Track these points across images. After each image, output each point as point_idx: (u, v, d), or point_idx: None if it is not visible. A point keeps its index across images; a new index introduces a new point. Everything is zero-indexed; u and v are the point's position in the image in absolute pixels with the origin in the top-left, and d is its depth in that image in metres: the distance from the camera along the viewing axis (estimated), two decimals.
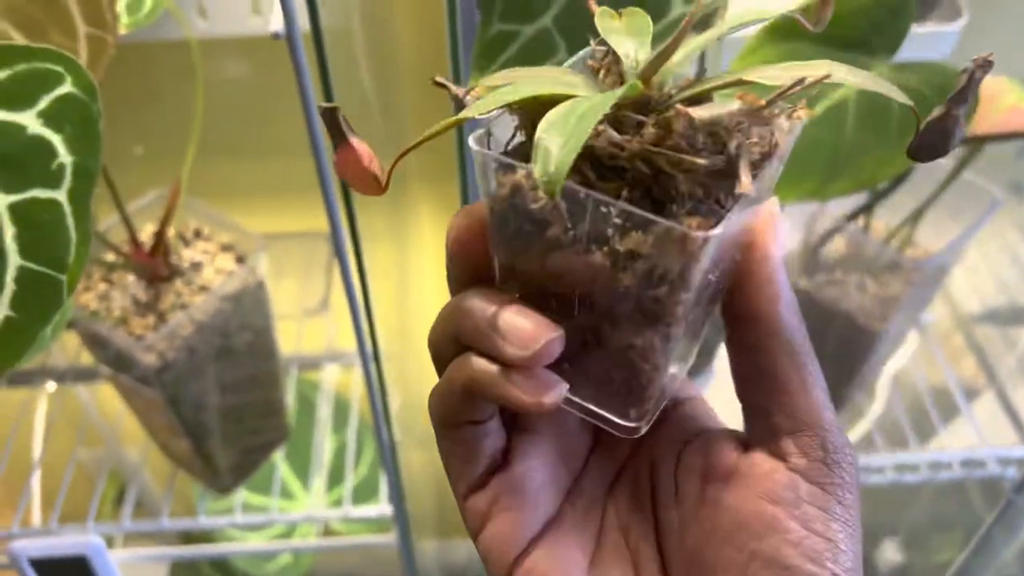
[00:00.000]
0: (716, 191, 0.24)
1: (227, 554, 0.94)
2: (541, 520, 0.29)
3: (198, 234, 0.73)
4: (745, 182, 0.23)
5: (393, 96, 0.82)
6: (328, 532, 1.05)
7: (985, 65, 0.24)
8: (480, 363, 0.26)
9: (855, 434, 0.86)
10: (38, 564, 0.78)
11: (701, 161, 0.23)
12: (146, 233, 0.70)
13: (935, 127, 0.25)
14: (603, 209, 0.23)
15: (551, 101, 0.24)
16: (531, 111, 0.26)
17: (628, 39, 0.27)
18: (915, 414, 0.86)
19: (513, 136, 0.27)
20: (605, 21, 0.28)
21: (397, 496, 0.74)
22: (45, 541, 0.77)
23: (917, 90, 0.54)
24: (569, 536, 0.29)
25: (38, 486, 0.88)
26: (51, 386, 0.92)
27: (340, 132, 0.25)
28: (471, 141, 0.26)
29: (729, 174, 0.24)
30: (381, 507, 0.81)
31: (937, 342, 0.89)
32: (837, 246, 0.76)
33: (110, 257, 0.69)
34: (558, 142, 0.21)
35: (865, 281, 0.74)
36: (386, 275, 0.89)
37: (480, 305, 0.26)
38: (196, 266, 0.69)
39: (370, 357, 0.62)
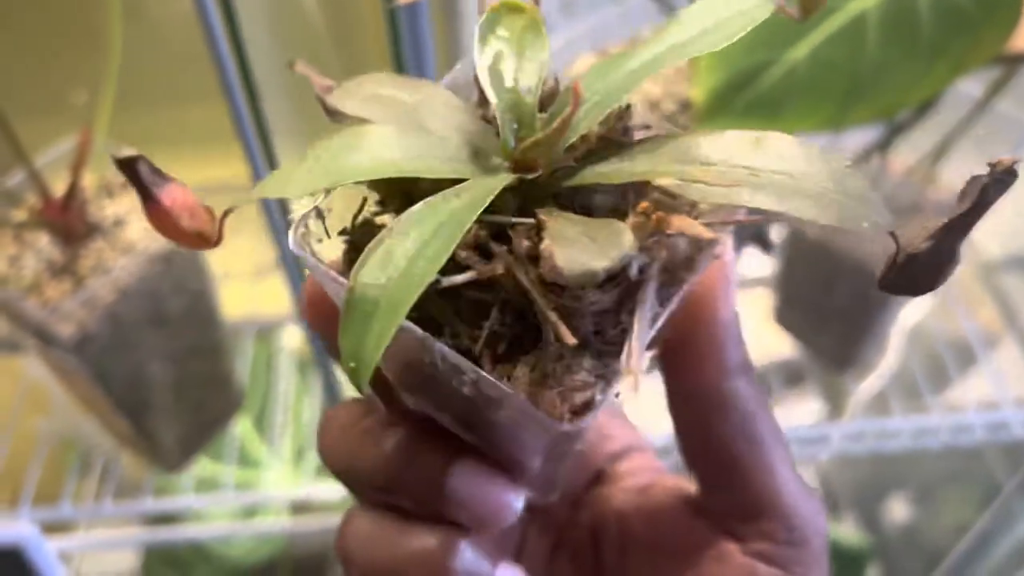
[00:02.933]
0: (607, 327, 0.19)
1: (188, 538, 0.87)
2: None
3: (125, 185, 0.64)
4: (632, 364, 0.17)
5: (351, 23, 0.73)
6: (298, 507, 0.99)
7: (1005, 177, 0.17)
8: (422, 545, 0.21)
9: (868, 393, 0.79)
10: None
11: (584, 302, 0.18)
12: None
13: (922, 260, 0.18)
14: (454, 364, 0.18)
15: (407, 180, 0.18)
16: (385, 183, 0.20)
17: (513, 60, 0.20)
18: (931, 368, 0.78)
19: (361, 209, 0.21)
20: (490, 25, 0.20)
21: None
22: None
23: (954, 4, 0.45)
24: None
25: None
26: None
27: (143, 186, 0.19)
28: (291, 244, 0.20)
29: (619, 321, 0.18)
30: None
31: (955, 291, 0.81)
32: None
33: (21, 216, 0.60)
34: (374, 328, 0.16)
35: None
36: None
37: (399, 450, 0.22)
38: (119, 222, 0.60)
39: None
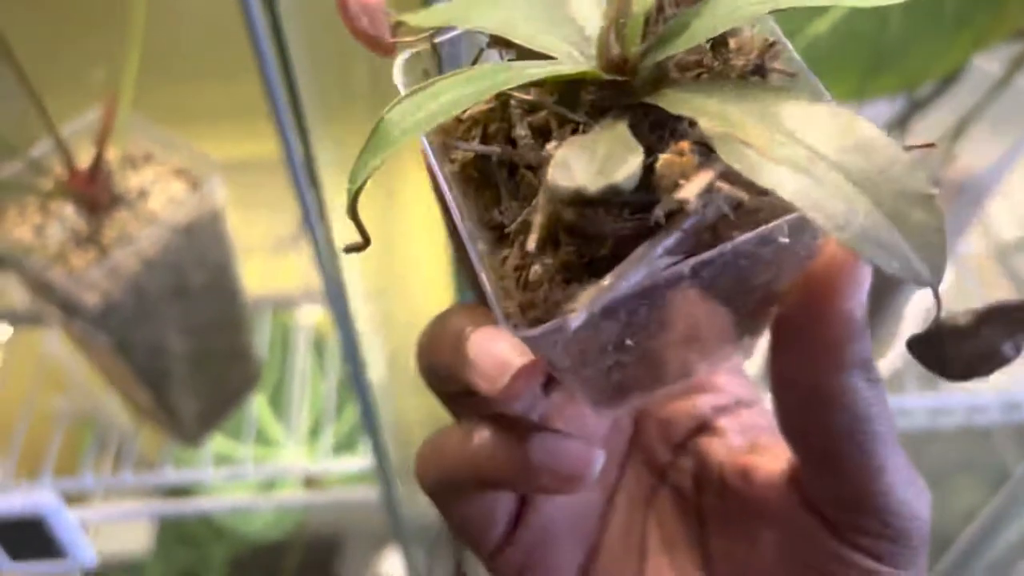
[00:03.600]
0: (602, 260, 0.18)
1: (204, 510, 0.88)
2: (578, 561, 0.26)
3: (148, 158, 0.64)
4: (588, 298, 0.16)
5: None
6: (313, 484, 0.99)
7: None
8: (485, 444, 0.22)
9: (883, 371, 0.79)
10: None
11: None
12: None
13: (957, 338, 0.16)
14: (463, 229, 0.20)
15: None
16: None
17: None
18: None
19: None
20: None
21: (377, 447, 0.67)
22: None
23: None
24: (610, 570, 0.26)
25: None
26: (6, 331, 0.85)
27: None
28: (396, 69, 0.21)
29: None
30: (363, 459, 0.74)
31: (972, 272, 0.81)
32: None
33: (47, 185, 0.61)
34: (383, 147, 0.18)
35: None
36: (369, 206, 0.81)
37: (452, 326, 0.22)
38: (143, 194, 0.61)
39: (338, 296, 0.55)
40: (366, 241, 0.19)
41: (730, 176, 0.16)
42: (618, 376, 0.21)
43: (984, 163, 0.66)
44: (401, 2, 0.23)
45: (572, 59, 0.18)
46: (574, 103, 0.19)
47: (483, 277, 0.18)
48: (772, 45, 0.20)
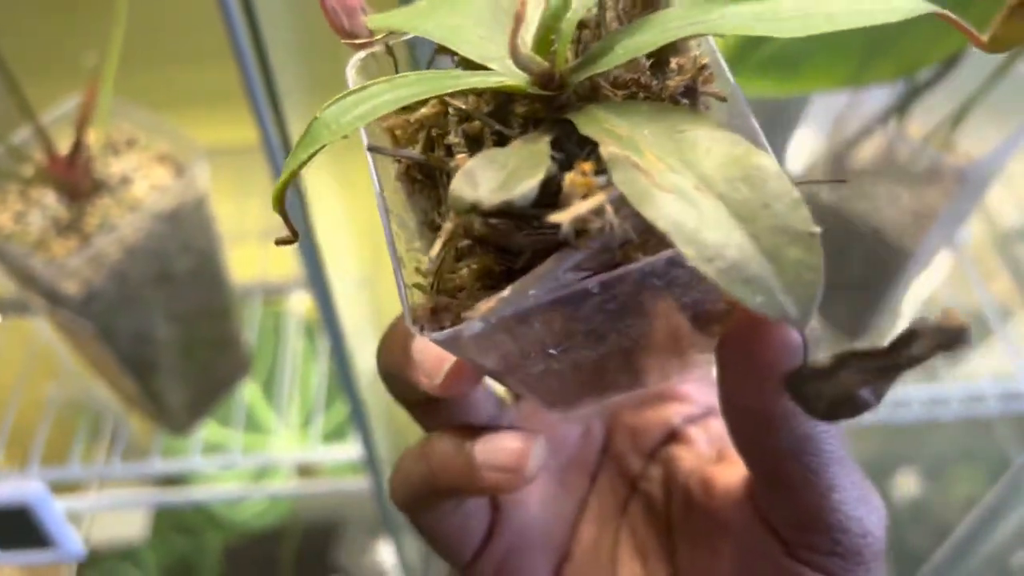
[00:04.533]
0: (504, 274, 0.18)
1: (196, 500, 0.87)
2: (551, 568, 0.26)
3: (131, 144, 0.63)
4: (482, 309, 0.17)
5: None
6: (306, 472, 0.99)
7: (953, 338, 0.14)
8: (436, 451, 0.22)
9: None
10: None
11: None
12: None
13: (818, 379, 0.16)
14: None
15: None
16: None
17: None
18: None
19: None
20: None
21: (366, 438, 0.66)
22: None
23: None
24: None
25: None
26: None
27: None
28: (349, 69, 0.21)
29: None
30: (352, 448, 0.73)
31: (971, 262, 0.80)
32: (866, 153, 0.67)
33: (28, 172, 0.60)
34: (311, 146, 0.18)
35: (898, 192, 0.65)
36: (362, 194, 0.80)
37: (403, 329, 0.22)
38: (125, 180, 0.60)
39: (321, 287, 0.54)
40: (294, 235, 0.19)
41: (622, 200, 0.16)
42: (556, 382, 0.21)
43: (985, 150, 0.65)
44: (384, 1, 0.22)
45: (507, 70, 0.18)
46: (506, 114, 0.19)
47: (397, 277, 0.19)
48: (702, 68, 0.19)
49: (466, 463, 0.21)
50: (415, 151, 0.20)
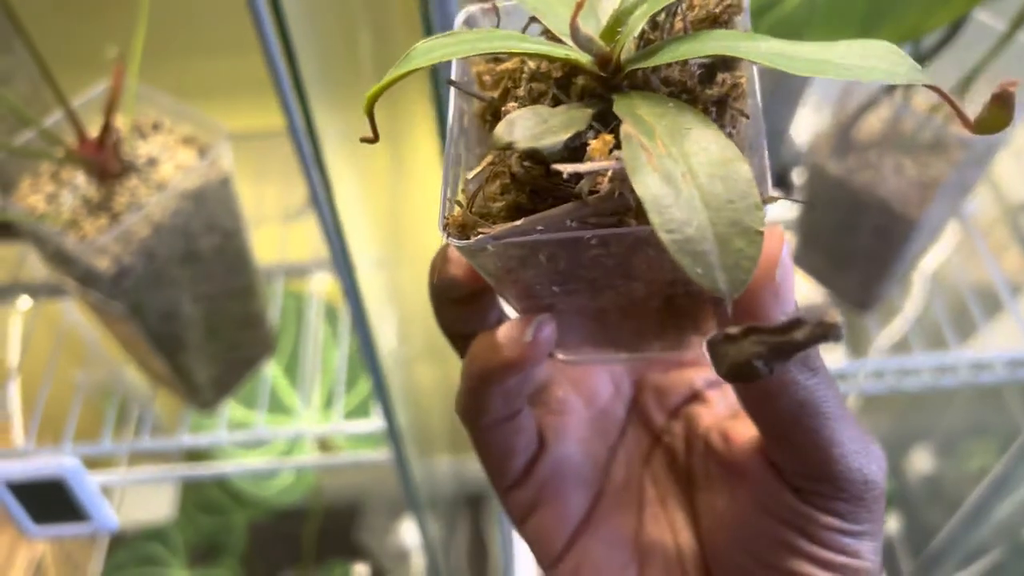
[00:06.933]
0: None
1: (221, 474, 0.89)
2: (583, 504, 0.29)
3: (157, 127, 0.65)
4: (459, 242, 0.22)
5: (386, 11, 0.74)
6: (328, 450, 1.01)
7: (828, 332, 0.18)
8: (476, 348, 0.25)
9: (891, 336, 0.79)
10: (17, 488, 0.74)
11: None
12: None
13: (725, 345, 0.19)
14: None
15: None
16: None
17: None
18: (955, 312, 0.78)
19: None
20: None
21: (387, 410, 0.68)
22: (20, 463, 0.72)
23: None
24: (612, 515, 0.29)
25: (18, 406, 0.84)
26: (25, 302, 0.87)
27: None
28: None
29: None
30: (373, 422, 0.75)
31: (979, 233, 0.81)
32: (872, 125, 0.68)
33: (59, 155, 0.62)
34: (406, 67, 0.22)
35: (903, 162, 0.66)
36: (378, 177, 0.82)
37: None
38: (152, 161, 0.62)
39: (345, 266, 0.55)
40: (375, 136, 0.22)
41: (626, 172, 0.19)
42: (560, 322, 0.24)
43: None
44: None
45: (571, 47, 0.22)
46: (568, 83, 0.22)
47: (444, 191, 0.22)
48: (735, 86, 0.22)
49: (491, 344, 0.24)
50: (494, 95, 0.24)
